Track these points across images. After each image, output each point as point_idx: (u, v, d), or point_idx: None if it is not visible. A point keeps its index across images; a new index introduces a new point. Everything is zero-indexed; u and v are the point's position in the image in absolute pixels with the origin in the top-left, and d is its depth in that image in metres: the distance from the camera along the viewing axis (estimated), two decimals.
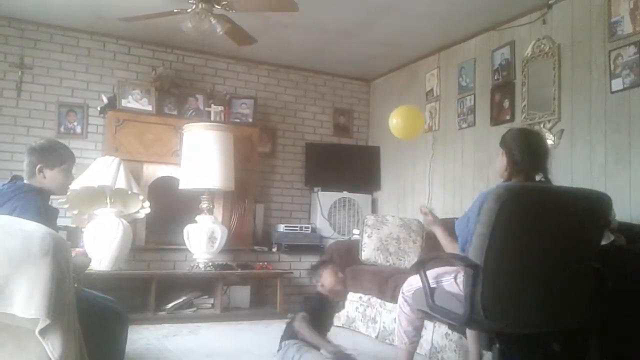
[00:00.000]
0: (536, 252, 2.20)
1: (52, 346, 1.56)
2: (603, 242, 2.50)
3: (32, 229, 1.62)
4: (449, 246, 2.67)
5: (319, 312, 3.04)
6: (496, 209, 2.09)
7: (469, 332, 2.85)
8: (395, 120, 4.13)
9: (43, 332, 1.55)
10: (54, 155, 2.54)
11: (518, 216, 2.16)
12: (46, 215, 2.34)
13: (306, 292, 4.21)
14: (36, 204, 2.35)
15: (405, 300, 2.79)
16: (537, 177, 2.46)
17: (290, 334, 2.96)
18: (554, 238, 2.22)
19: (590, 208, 2.29)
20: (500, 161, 2.54)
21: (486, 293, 2.15)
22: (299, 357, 2.82)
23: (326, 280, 3.10)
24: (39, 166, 2.50)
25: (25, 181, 2.51)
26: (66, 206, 4.53)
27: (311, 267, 3.27)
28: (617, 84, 3.59)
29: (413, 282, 2.75)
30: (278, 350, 2.98)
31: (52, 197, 2.58)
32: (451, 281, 2.52)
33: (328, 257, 3.67)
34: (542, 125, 4.09)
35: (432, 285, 2.51)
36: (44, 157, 2.51)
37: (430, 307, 2.46)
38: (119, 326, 2.49)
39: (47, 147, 2.55)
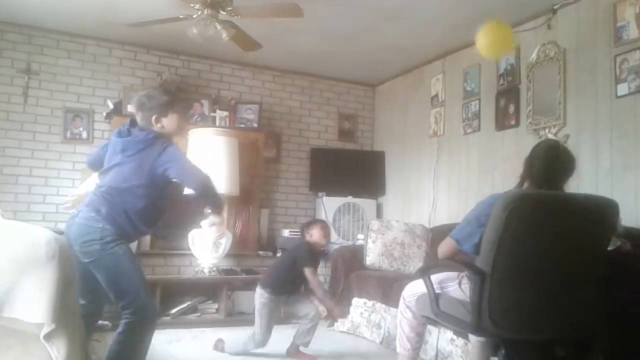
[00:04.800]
0: (544, 259, 2.19)
1: (57, 351, 1.56)
2: (609, 248, 2.49)
3: (37, 233, 1.62)
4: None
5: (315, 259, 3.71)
6: (504, 216, 2.09)
7: (473, 337, 2.83)
8: (482, 40, 3.49)
9: (48, 336, 1.55)
10: (163, 100, 2.70)
11: (526, 223, 2.15)
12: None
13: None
14: (179, 152, 2.66)
15: (407, 307, 2.77)
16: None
17: (286, 281, 3.64)
18: (561, 245, 2.21)
19: (598, 215, 2.28)
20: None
21: (493, 300, 2.15)
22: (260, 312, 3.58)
23: (315, 233, 3.72)
24: (154, 117, 2.67)
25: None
26: (71, 211, 4.54)
27: (306, 223, 3.90)
28: (622, 89, 3.58)
29: (415, 288, 2.73)
30: (270, 293, 3.59)
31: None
32: (455, 287, 2.50)
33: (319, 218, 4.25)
34: (547, 130, 4.08)
35: (437, 291, 2.50)
36: (154, 107, 2.68)
37: (436, 313, 2.45)
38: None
39: (152, 96, 2.72)
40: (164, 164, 2.58)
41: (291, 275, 3.63)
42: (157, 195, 2.64)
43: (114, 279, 2.52)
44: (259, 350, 3.64)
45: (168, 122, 2.70)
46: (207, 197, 2.77)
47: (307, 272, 3.58)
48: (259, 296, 3.63)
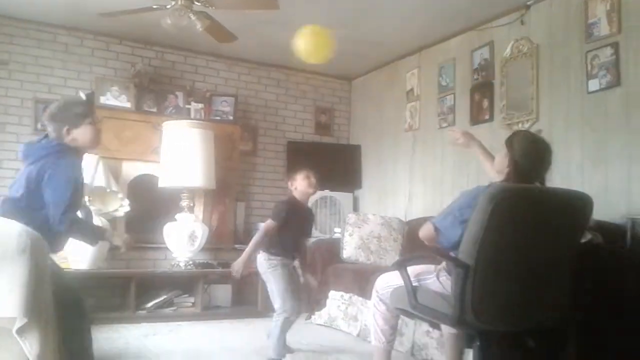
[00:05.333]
0: (525, 252, 2.22)
1: (30, 345, 1.54)
2: (581, 241, 2.54)
3: (8, 227, 1.59)
4: (488, 164, 2.80)
5: (292, 215, 3.36)
6: (489, 209, 2.10)
7: (447, 329, 2.86)
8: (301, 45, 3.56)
9: (20, 331, 1.53)
10: (75, 111, 2.55)
11: (510, 216, 2.16)
12: (75, 187, 2.41)
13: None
14: (67, 174, 2.39)
15: (381, 299, 2.76)
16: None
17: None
18: (542, 238, 2.24)
19: (576, 209, 2.32)
20: (501, 160, 2.50)
21: (477, 293, 2.16)
22: (269, 276, 3.31)
23: (300, 184, 3.44)
24: (65, 128, 2.50)
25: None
26: None
27: (289, 176, 3.59)
28: (593, 85, 3.64)
29: (389, 281, 2.72)
30: (274, 255, 3.35)
31: None
32: (433, 279, 2.51)
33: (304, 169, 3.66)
34: (520, 125, 4.14)
35: (414, 284, 2.49)
36: (66, 118, 2.51)
37: (413, 306, 2.43)
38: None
39: (65, 106, 2.56)
40: (46, 172, 2.36)
41: (284, 237, 3.35)
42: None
43: None
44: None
45: (81, 134, 2.52)
46: (73, 232, 2.47)
47: (266, 223, 3.32)
48: (267, 263, 3.33)
